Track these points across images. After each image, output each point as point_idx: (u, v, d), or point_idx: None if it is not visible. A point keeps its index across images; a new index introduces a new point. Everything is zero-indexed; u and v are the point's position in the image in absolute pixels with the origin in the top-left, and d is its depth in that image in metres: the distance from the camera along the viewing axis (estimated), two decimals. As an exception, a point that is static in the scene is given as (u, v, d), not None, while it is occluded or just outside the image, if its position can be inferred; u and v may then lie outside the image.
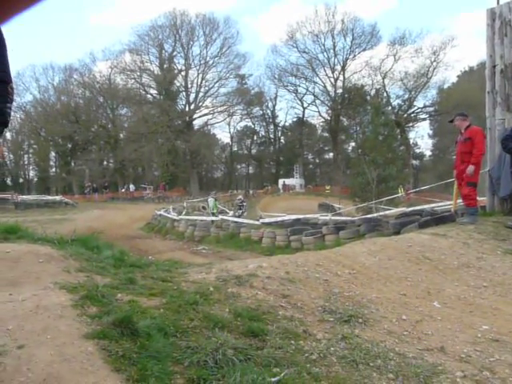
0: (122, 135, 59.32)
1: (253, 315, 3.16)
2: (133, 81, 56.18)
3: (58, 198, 38.63)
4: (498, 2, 9.01)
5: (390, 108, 51.01)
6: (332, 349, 2.79)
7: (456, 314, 3.58)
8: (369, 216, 13.14)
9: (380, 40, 54.72)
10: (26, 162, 67.29)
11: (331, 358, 2.67)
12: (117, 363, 2.19)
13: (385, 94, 53.45)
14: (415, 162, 62.05)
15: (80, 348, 2.23)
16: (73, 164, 60.94)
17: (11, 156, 66.15)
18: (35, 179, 66.60)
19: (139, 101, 55.99)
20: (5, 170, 65.99)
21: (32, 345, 2.18)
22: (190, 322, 2.92)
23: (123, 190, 50.46)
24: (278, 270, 4.14)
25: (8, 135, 65.38)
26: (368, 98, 52.28)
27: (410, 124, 56.66)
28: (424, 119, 57.88)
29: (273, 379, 2.29)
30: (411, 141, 57.84)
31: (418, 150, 63.18)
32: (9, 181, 65.01)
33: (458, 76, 56.93)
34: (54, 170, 64.85)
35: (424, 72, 51.74)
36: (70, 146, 60.60)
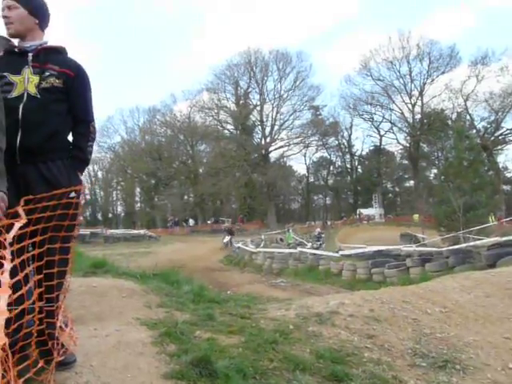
0: (201, 170, 61.62)
1: (336, 357, 2.96)
2: (210, 118, 58.55)
3: (142, 231, 40.54)
4: None
5: (474, 131, 48.17)
6: (427, 399, 2.50)
7: None
8: (457, 247, 12.22)
9: (460, 61, 52.28)
10: (114, 198, 72.06)
11: (427, 410, 2.38)
12: (195, 406, 2.11)
13: (468, 117, 50.65)
14: (507, 188, 57.58)
15: (159, 389, 2.19)
16: (156, 199, 64.05)
17: (102, 193, 71.40)
18: (122, 214, 70.83)
19: (217, 136, 58.06)
20: (96, 206, 71.17)
21: (113, 383, 2.17)
22: (270, 363, 2.79)
23: (209, 222, 52.00)
24: (362, 307, 3.89)
25: (99, 174, 70.97)
26: (449, 122, 49.86)
27: (499, 147, 52.93)
28: (514, 141, 53.84)
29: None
30: (501, 165, 53.90)
31: (509, 175, 58.66)
32: (99, 216, 69.84)
33: (551, 94, 52.60)
34: (139, 205, 68.71)
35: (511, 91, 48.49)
36: (153, 182, 64.00)
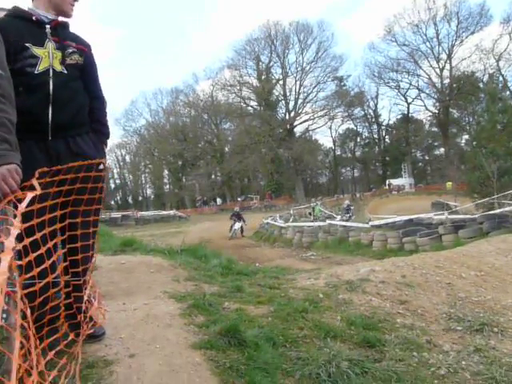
0: (226, 149, 61.76)
1: (367, 323, 2.90)
2: (233, 95, 58.30)
3: (172, 212, 41.18)
4: None
5: (508, 93, 46.23)
6: (463, 363, 2.42)
7: None
8: (492, 212, 11.84)
9: (491, 20, 49.77)
10: (143, 181, 73.21)
11: (464, 373, 2.31)
12: (224, 375, 2.09)
13: (501, 79, 48.53)
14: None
15: (187, 358, 2.17)
16: (184, 180, 64.77)
17: (131, 177, 72.63)
18: (152, 196, 72.00)
19: (240, 114, 57.84)
20: (126, 189, 72.56)
21: (142, 354, 2.17)
22: (300, 332, 2.75)
23: (239, 200, 52.21)
24: (393, 273, 3.80)
25: (127, 158, 72.10)
26: (480, 85, 47.95)
27: (534, 108, 50.69)
28: (551, 101, 51.44)
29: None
30: (537, 127, 51.70)
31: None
32: (130, 199, 71.23)
33: None
34: (167, 186, 69.64)
35: (548, 48, 46.09)
36: (180, 163, 64.61)
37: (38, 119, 2.07)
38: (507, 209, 12.56)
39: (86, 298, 2.28)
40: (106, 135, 2.46)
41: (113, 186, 72.10)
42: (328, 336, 2.70)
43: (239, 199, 52.59)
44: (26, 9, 2.17)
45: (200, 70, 78.45)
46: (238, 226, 23.35)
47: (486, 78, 48.42)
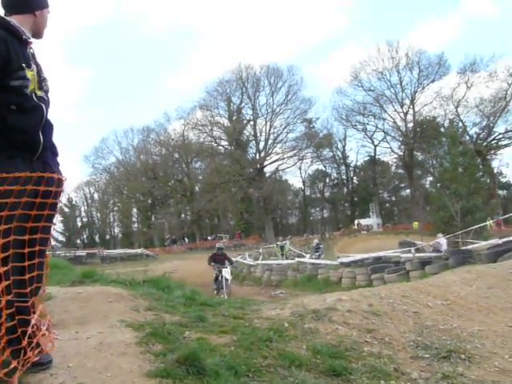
0: (197, 187, 61.54)
1: (334, 352, 2.80)
2: (205, 135, 58.67)
3: (139, 251, 40.24)
4: None
5: (467, 138, 48.43)
6: (432, 389, 2.34)
7: None
8: (457, 248, 12.07)
9: (449, 69, 52.82)
10: (111, 220, 71.60)
11: (432, 400, 2.22)
12: (180, 404, 1.94)
13: (460, 124, 50.97)
14: (503, 193, 57.60)
15: (140, 387, 2.02)
16: (153, 218, 63.75)
17: (98, 215, 71.05)
18: (120, 235, 70.34)
19: (211, 153, 58.12)
20: (94, 228, 70.76)
21: (91, 383, 2.00)
22: (264, 360, 2.62)
23: (209, 239, 51.55)
24: (360, 302, 3.73)
25: (96, 196, 70.77)
26: (442, 129, 50.09)
27: (492, 152, 53.14)
28: (507, 145, 54.05)
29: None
30: (495, 170, 54.03)
31: (504, 180, 58.75)
32: (97, 238, 69.35)
33: (541, 97, 52.99)
34: (136, 225, 68.28)
35: (502, 96, 48.82)
36: (149, 201, 63.79)
37: (32, 140, 2.08)
38: (470, 247, 12.86)
39: (33, 321, 2.11)
40: (57, 155, 2.45)
41: (79, 224, 70.34)
42: (293, 365, 2.59)
43: (209, 238, 51.96)
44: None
45: (172, 110, 78.98)
46: (227, 272, 13.14)
47: (446, 123, 50.68)
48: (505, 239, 12.02)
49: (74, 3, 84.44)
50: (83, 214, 70.95)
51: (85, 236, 70.82)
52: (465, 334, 3.17)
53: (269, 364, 2.58)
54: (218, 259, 13.54)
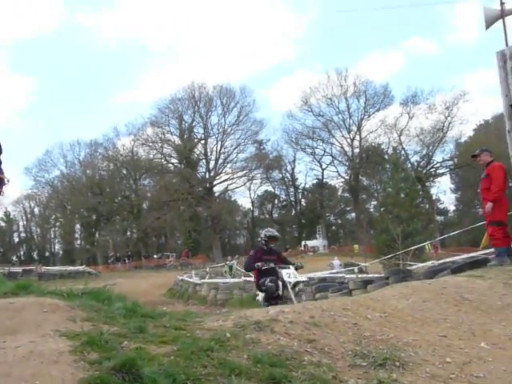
0: (144, 205, 60.36)
1: (274, 361, 2.81)
2: (154, 152, 58.02)
3: (81, 268, 38.70)
4: (506, 44, 9.03)
5: (409, 165, 50.94)
6: (367, 395, 2.40)
7: (509, 354, 3.14)
8: (397, 268, 12.55)
9: (393, 99, 55.92)
10: (52, 236, 68.46)
11: (367, 405, 2.28)
12: (114, 412, 1.87)
13: (402, 151, 53.66)
14: (440, 218, 60.72)
15: (72, 394, 1.93)
16: (97, 235, 61.68)
17: (38, 230, 67.67)
18: (60, 252, 67.32)
19: (161, 170, 57.48)
20: (32, 244, 67.23)
21: (17, 392, 1.90)
22: (203, 369, 2.59)
23: (156, 257, 50.30)
24: (302, 314, 3.78)
25: (36, 210, 67.50)
26: (386, 156, 52.47)
27: (431, 179, 56.18)
28: (444, 174, 57.47)
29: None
30: (434, 196, 57.06)
31: (441, 206, 62.05)
32: (35, 254, 65.88)
33: (474, 130, 56.97)
34: (78, 242, 65.64)
35: (439, 127, 52.17)
36: (94, 217, 61.75)
37: None
38: (410, 268, 13.40)
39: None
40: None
41: (16, 239, 66.65)
42: (233, 373, 2.56)
43: (155, 256, 50.83)
44: None
45: (122, 125, 77.55)
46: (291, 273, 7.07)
47: (390, 150, 53.23)
48: (441, 261, 12.59)
49: (25, 10, 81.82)
50: (21, 228, 67.44)
51: (22, 252, 67.21)
52: (400, 343, 3.28)
53: (209, 373, 2.55)
54: (269, 258, 7.11)
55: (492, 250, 8.17)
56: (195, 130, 59.19)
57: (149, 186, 62.60)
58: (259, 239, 8.57)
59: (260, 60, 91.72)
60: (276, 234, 7.79)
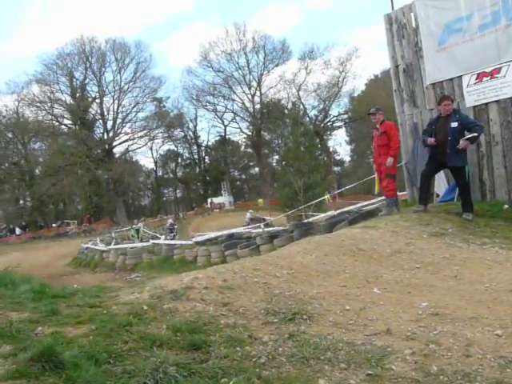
0: (37, 171, 56.04)
1: (193, 328, 2.95)
2: (44, 112, 53.41)
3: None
4: (392, 8, 9.61)
5: (307, 119, 52.88)
6: (280, 349, 2.65)
7: (396, 296, 3.62)
8: (300, 222, 13.30)
9: (291, 55, 56.97)
10: None
11: (280, 358, 2.53)
12: (39, 402, 1.89)
13: (301, 106, 55.36)
14: (337, 169, 64.69)
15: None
16: (-16, 207, 56.36)
17: None
18: None
19: (53, 133, 53.33)
20: None
21: None
22: (125, 345, 2.65)
23: (54, 226, 47.29)
24: (215, 279, 3.95)
25: None
26: (286, 111, 53.86)
27: (328, 132, 59.11)
28: (340, 127, 60.75)
29: (221, 389, 2.11)
30: (331, 148, 60.34)
31: (338, 157, 66.03)
32: None
33: (365, 84, 60.56)
34: (-38, 215, 59.54)
35: (335, 82, 54.51)
36: (-22, 187, 56.08)
37: None
38: (311, 219, 14.28)
39: None
40: None
41: None
42: (154, 345, 2.66)
43: (54, 225, 48.04)
44: None
45: (1, 83, 69.58)
46: None
47: (289, 105, 54.63)
48: (339, 210, 13.54)
49: None
50: None
51: None
52: (306, 297, 3.60)
53: (130, 348, 2.61)
54: None
55: (381, 198, 9.04)
56: (88, 88, 55.44)
57: (40, 150, 57.98)
58: None
59: (153, 11, 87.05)
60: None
